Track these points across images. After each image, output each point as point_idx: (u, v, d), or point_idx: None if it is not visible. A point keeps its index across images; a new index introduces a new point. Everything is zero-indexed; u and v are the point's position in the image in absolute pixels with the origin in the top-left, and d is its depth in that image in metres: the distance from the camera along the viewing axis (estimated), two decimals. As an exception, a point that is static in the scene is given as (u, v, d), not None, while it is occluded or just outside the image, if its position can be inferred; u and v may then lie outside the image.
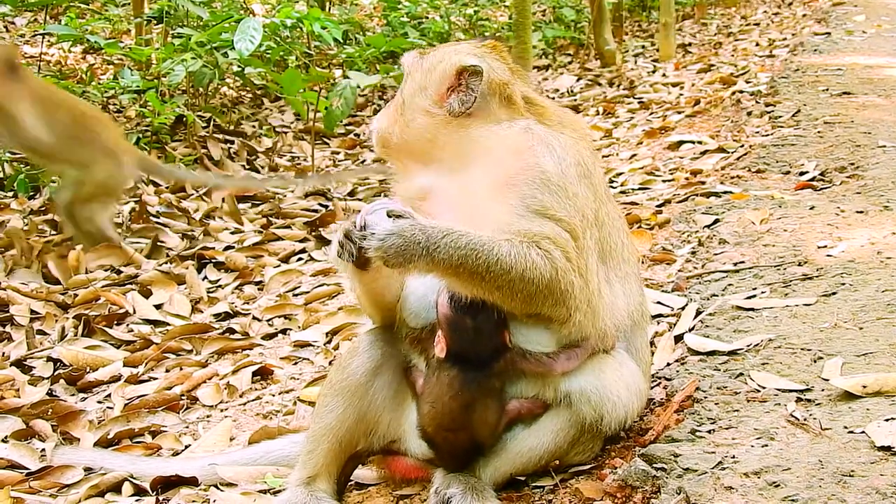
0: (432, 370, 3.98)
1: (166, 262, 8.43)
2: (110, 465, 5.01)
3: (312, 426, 4.30)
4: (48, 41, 15.64)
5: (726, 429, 3.96)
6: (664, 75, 15.57)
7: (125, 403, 5.99)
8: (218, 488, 4.68)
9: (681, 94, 13.51)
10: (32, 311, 7.40)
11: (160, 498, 4.69)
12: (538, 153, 3.92)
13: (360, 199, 10.22)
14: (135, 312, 7.40)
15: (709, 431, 3.96)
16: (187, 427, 5.64)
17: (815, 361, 4.41)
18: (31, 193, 9.84)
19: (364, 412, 4.13)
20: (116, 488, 4.83)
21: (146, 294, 7.69)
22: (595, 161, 4.20)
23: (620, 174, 9.48)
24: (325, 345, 6.47)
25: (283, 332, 6.87)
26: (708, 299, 5.49)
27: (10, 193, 9.86)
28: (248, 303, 7.57)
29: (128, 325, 7.25)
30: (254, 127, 13.04)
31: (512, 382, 3.97)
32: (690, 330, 5.12)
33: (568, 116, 4.36)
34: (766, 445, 3.75)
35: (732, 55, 16.52)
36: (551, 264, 3.73)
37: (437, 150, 4.04)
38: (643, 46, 19.60)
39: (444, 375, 3.92)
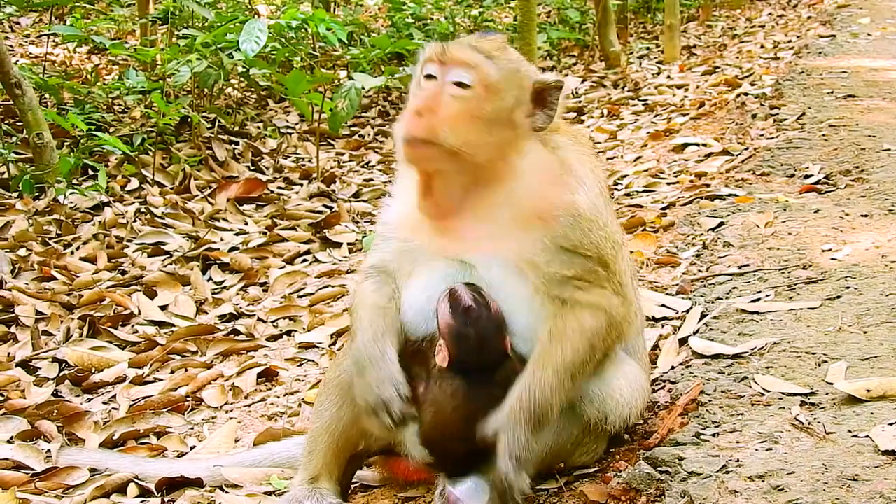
0: (434, 379, 3.94)
1: (171, 263, 8.44)
2: (115, 467, 5.03)
3: (311, 427, 4.33)
4: (53, 41, 15.66)
5: (730, 432, 3.96)
6: (669, 77, 15.55)
7: (130, 404, 6.02)
8: (223, 490, 4.70)
9: (685, 97, 13.50)
10: (38, 312, 7.42)
11: (165, 499, 4.70)
12: (574, 188, 3.89)
13: (364, 201, 10.23)
14: (140, 313, 7.42)
15: (713, 435, 3.97)
16: (192, 428, 5.66)
17: (819, 365, 4.42)
18: (37, 194, 9.85)
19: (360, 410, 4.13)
20: (122, 489, 4.86)
21: (151, 295, 7.71)
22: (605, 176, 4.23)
23: (625, 176, 9.48)
24: (329, 346, 6.49)
25: (288, 333, 6.89)
26: (712, 302, 5.49)
27: (16, 194, 9.87)
28: (252, 304, 7.59)
29: (133, 326, 7.27)
30: (258, 128, 13.05)
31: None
32: (695, 333, 5.11)
33: (572, 128, 4.36)
34: (771, 449, 3.76)
35: (737, 57, 16.49)
36: (600, 312, 3.84)
37: (498, 165, 3.88)
38: (648, 48, 19.60)
39: (447, 386, 3.90)
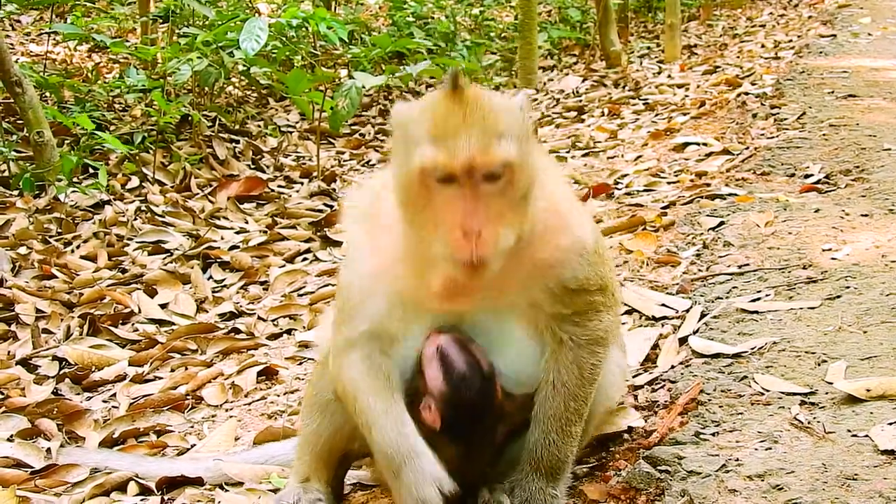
0: (423, 436, 3.65)
1: (171, 262, 8.44)
2: (116, 465, 5.03)
3: (299, 436, 4.35)
4: (54, 40, 15.67)
5: (730, 431, 3.97)
6: (669, 76, 15.55)
7: (130, 403, 6.02)
8: (223, 488, 4.70)
9: (686, 96, 13.49)
10: (38, 310, 7.42)
11: (165, 498, 4.70)
12: (577, 225, 3.71)
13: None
14: (140, 312, 7.42)
15: (713, 434, 3.97)
16: (192, 427, 5.66)
17: (819, 365, 4.42)
18: (37, 192, 9.86)
19: (340, 425, 4.04)
20: (122, 487, 4.85)
21: (151, 293, 7.71)
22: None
23: (625, 176, 9.48)
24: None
25: (289, 332, 6.89)
26: (712, 302, 5.49)
27: (16, 192, 9.88)
28: (253, 303, 7.59)
29: (133, 324, 7.27)
30: (259, 126, 13.05)
31: (502, 422, 3.86)
32: (695, 332, 5.11)
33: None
34: (770, 448, 3.77)
35: (738, 57, 16.49)
36: (599, 343, 3.78)
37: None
38: (648, 47, 19.59)
39: (441, 446, 3.66)
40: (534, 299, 3.65)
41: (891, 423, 3.77)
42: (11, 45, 16.07)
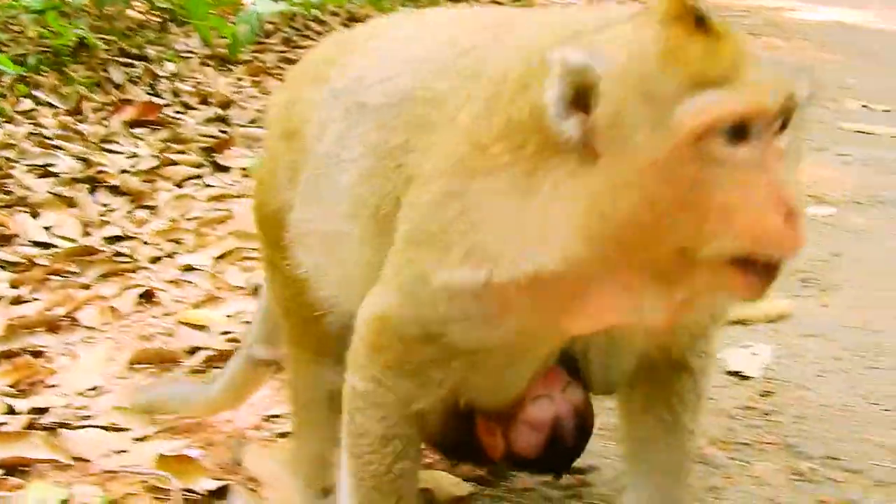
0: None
1: (59, 185, 8.30)
2: None
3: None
4: (-52, -43, 15.25)
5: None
6: None
7: (7, 325, 5.93)
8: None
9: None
10: (-85, 231, 7.28)
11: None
12: None
13: (260, 128, 10.13)
14: (23, 235, 7.29)
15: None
16: (67, 347, 5.61)
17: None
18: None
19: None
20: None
21: (35, 216, 7.58)
22: None
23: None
24: (212, 269, 6.47)
25: (171, 255, 6.83)
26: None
27: None
28: (139, 227, 7.50)
29: (14, 246, 7.14)
30: (159, 51, 12.84)
31: None
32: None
33: None
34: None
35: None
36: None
37: None
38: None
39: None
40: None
41: (742, 346, 3.88)
42: None
